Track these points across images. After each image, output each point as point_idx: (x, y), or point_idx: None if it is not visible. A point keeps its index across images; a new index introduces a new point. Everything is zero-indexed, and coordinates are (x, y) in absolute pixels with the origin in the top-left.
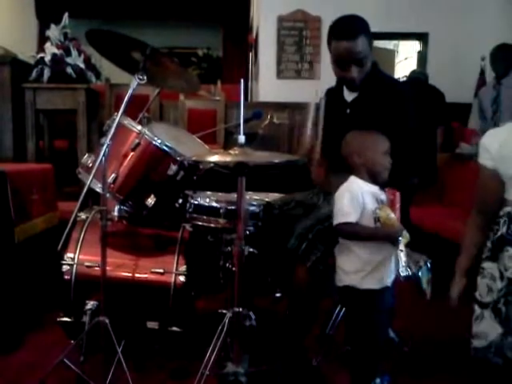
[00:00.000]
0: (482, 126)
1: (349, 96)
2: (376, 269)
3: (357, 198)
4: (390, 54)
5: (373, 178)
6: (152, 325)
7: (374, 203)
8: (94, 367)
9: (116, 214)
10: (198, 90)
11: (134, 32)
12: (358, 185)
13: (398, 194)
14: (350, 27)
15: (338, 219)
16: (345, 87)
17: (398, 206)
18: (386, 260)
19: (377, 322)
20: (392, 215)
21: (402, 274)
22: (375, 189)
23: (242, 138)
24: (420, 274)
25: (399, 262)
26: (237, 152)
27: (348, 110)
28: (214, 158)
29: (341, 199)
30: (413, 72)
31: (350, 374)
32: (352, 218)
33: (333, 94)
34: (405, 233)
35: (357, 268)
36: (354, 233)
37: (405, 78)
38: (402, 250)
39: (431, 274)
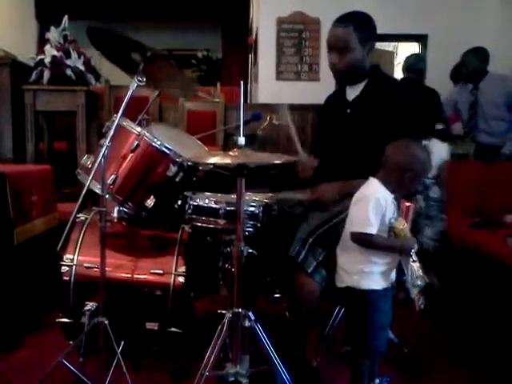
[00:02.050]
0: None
1: (350, 95)
2: (383, 271)
3: (381, 207)
4: (389, 56)
5: (393, 191)
6: (151, 326)
7: (392, 212)
8: (93, 368)
9: (115, 215)
10: (196, 92)
11: (133, 34)
12: (381, 192)
13: (412, 205)
14: (344, 16)
15: (359, 228)
16: (347, 88)
17: (410, 217)
18: (394, 263)
19: (379, 321)
20: (406, 226)
21: (417, 284)
22: (392, 197)
23: (241, 140)
24: (409, 285)
25: (413, 274)
26: (236, 153)
27: (348, 110)
28: (214, 160)
29: (365, 205)
30: (407, 70)
31: (351, 374)
32: (373, 229)
33: (334, 97)
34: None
35: (361, 268)
36: (373, 244)
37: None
38: (415, 261)
39: (423, 285)
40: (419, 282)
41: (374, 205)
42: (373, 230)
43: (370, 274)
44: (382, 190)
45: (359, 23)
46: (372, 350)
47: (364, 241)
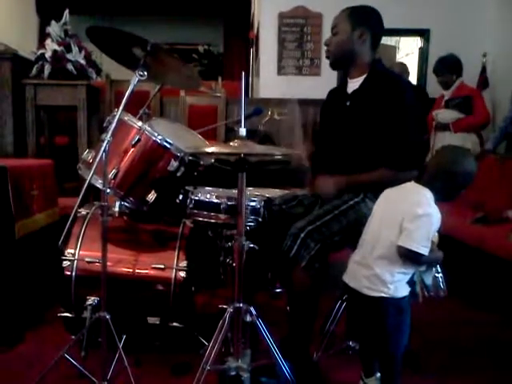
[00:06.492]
0: None
1: (350, 88)
2: (408, 278)
3: (436, 229)
4: (391, 51)
5: (436, 197)
6: (153, 320)
7: None
8: (95, 362)
9: (117, 209)
10: (200, 86)
11: (135, 28)
12: (437, 209)
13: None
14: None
15: (416, 247)
16: (348, 81)
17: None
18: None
19: (408, 322)
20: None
21: (443, 294)
22: None
23: (242, 131)
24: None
25: (438, 285)
26: (237, 144)
27: (348, 103)
28: (214, 149)
29: (428, 225)
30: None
31: (384, 376)
32: (427, 251)
33: (335, 91)
34: None
35: (398, 278)
36: (419, 262)
37: None
38: (439, 272)
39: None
40: (442, 294)
41: (435, 227)
42: (426, 252)
43: (400, 283)
44: (436, 206)
45: (356, 10)
46: (403, 349)
47: (413, 259)
